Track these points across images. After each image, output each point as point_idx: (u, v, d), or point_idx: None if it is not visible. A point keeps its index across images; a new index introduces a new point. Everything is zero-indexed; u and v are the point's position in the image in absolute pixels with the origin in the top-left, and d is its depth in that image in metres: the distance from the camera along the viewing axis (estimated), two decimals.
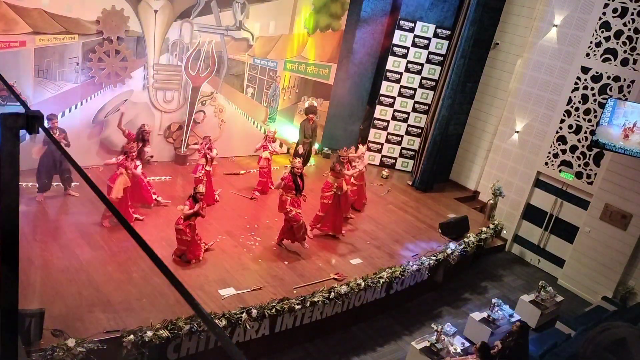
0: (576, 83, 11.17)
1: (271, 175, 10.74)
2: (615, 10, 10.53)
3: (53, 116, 8.53)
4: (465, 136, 13.29)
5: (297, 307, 7.44)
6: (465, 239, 10.39)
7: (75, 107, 9.79)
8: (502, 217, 12.11)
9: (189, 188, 10.00)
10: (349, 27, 12.68)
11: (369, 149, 13.31)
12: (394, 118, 13.18)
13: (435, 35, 12.61)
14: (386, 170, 13.06)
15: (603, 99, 10.64)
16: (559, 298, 10.01)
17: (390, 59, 12.81)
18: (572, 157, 11.34)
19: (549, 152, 11.68)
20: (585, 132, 11.10)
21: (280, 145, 12.86)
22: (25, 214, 8.16)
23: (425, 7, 12.51)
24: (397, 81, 12.93)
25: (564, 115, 11.41)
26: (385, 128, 13.28)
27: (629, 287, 10.40)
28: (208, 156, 9.58)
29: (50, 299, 6.40)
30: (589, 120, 11.02)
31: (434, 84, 12.80)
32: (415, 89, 12.96)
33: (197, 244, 8.02)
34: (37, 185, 8.67)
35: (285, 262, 8.46)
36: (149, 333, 6.20)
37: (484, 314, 8.89)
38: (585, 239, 11.00)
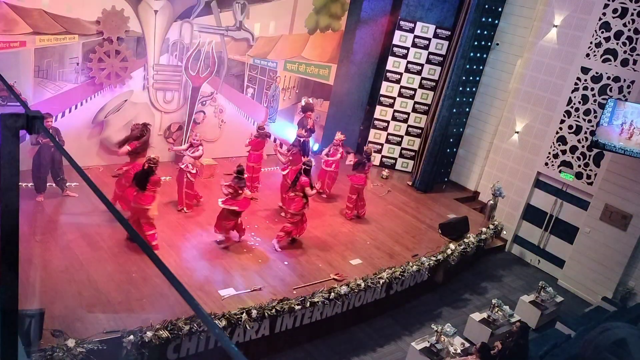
0: (576, 83, 11.17)
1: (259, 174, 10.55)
2: (615, 10, 10.53)
3: (48, 115, 8.49)
4: (465, 136, 13.28)
5: (297, 307, 7.44)
6: (465, 240, 10.39)
7: (75, 108, 9.80)
8: (502, 218, 12.11)
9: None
10: (349, 27, 12.69)
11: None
12: (394, 118, 13.19)
13: (435, 35, 12.62)
14: (386, 170, 13.06)
15: (603, 99, 10.64)
16: (559, 298, 10.01)
17: (390, 59, 12.82)
18: (572, 157, 11.33)
19: (549, 153, 11.68)
20: (585, 133, 11.09)
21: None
22: (25, 214, 8.16)
23: (425, 7, 12.51)
24: (397, 81, 12.93)
25: (564, 116, 11.41)
26: (385, 128, 13.28)
27: (629, 288, 10.39)
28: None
29: (50, 299, 6.40)
30: (589, 121, 11.02)
31: (434, 84, 12.80)
32: (415, 90, 12.96)
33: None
34: (34, 186, 8.69)
35: (285, 263, 8.46)
36: (149, 333, 6.20)
37: (484, 315, 8.89)
38: (585, 240, 11.00)
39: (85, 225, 8.25)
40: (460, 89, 12.25)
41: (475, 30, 11.72)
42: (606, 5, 10.64)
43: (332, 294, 7.85)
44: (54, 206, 8.74)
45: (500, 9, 12.27)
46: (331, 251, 9.11)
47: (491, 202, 11.54)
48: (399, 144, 13.37)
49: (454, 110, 12.41)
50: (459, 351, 7.75)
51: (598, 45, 10.82)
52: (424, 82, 12.91)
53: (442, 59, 12.64)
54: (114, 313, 6.49)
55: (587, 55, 10.96)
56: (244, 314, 6.94)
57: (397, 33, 12.66)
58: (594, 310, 10.03)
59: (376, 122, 13.25)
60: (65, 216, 8.55)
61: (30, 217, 8.20)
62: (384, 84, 12.97)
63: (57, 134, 8.46)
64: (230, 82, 11.67)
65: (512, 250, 12.46)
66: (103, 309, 6.53)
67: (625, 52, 10.44)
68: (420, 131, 13.09)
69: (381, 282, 8.51)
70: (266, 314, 7.14)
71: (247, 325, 6.95)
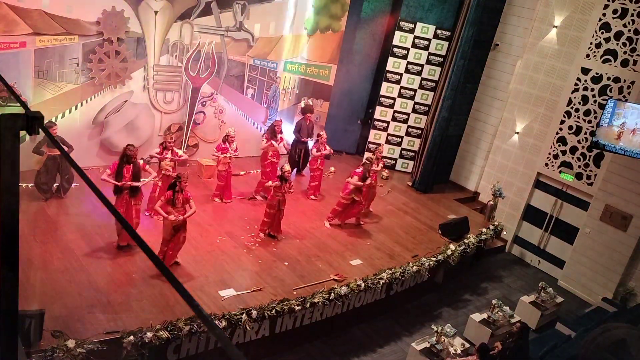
0: (576, 84, 11.17)
1: (230, 180, 10.02)
2: (615, 11, 10.54)
3: (52, 124, 8.66)
4: (465, 137, 13.28)
5: (297, 308, 7.44)
6: (465, 240, 10.38)
7: (76, 108, 9.80)
8: (502, 218, 12.11)
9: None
10: (349, 28, 12.69)
11: (368, 150, 13.30)
12: (394, 119, 13.18)
13: (435, 36, 12.62)
14: (386, 171, 13.03)
15: (603, 99, 10.64)
16: (559, 299, 10.01)
17: (390, 60, 12.81)
18: (572, 158, 11.33)
19: (549, 153, 11.68)
20: (585, 133, 11.09)
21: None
22: (25, 214, 8.16)
23: (425, 8, 12.51)
24: (397, 82, 12.93)
25: (564, 116, 11.41)
26: (385, 129, 13.28)
27: (629, 288, 10.39)
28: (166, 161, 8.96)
29: (50, 300, 6.40)
30: (589, 121, 11.02)
31: (434, 84, 12.80)
32: (415, 90, 12.96)
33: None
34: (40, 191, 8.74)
35: (285, 263, 8.46)
36: (149, 334, 6.20)
37: (484, 315, 8.89)
38: (585, 240, 11.00)
39: (85, 226, 8.25)
40: (460, 89, 12.25)
41: (475, 31, 11.71)
42: (606, 6, 10.64)
43: (332, 294, 7.85)
44: (54, 206, 8.74)
45: (500, 10, 12.28)
46: (331, 252, 9.11)
47: (491, 202, 11.54)
48: (399, 144, 13.37)
49: (454, 111, 12.41)
50: (459, 352, 7.75)
51: (598, 45, 10.82)
52: (424, 82, 12.91)
53: (442, 59, 12.64)
54: (113, 314, 6.49)
55: (587, 55, 10.97)
56: (244, 315, 6.93)
57: (397, 34, 12.66)
58: (594, 310, 10.03)
59: (376, 123, 13.25)
60: (65, 217, 8.55)
61: (30, 217, 8.20)
62: (384, 84, 12.97)
63: (62, 141, 8.55)
64: (231, 82, 11.67)
65: (512, 250, 12.46)
66: (103, 310, 6.53)
67: (625, 52, 10.44)
68: (420, 132, 13.09)
69: (381, 283, 8.51)
70: (266, 314, 7.13)
71: (247, 326, 6.95)
